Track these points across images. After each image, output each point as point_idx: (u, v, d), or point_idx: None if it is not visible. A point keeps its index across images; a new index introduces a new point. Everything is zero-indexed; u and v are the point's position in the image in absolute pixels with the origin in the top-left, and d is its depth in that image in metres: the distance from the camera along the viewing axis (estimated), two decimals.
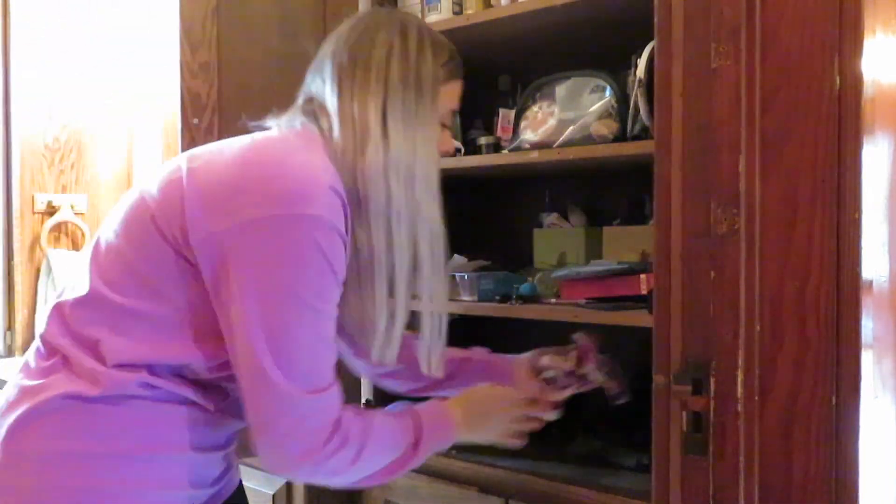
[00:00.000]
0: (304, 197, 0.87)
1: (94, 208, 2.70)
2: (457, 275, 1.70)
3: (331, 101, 0.99)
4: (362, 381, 1.71)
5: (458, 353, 1.29)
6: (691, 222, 0.92)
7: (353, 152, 0.94)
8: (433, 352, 1.05)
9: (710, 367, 0.89)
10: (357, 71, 0.99)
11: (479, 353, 1.34)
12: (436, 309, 1.03)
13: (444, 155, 1.07)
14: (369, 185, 0.94)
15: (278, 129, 1.01)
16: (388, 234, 0.95)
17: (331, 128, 0.97)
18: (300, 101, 1.06)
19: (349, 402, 1.68)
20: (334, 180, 0.90)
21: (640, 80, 1.38)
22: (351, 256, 0.94)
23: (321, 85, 1.02)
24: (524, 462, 1.54)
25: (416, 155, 0.97)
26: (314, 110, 1.01)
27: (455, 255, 1.78)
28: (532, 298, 1.61)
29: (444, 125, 1.07)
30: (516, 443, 1.16)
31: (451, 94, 1.07)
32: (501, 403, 1.14)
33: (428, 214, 0.98)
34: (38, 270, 2.57)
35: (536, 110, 1.59)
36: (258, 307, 0.86)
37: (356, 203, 0.94)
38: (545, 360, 1.26)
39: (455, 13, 1.67)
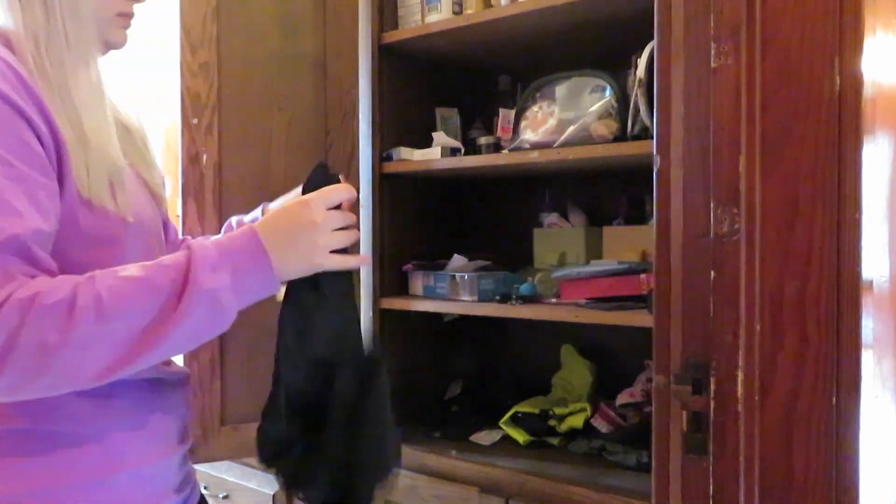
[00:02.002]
0: None
1: None
2: (457, 275, 1.70)
3: None
4: None
5: None
6: (691, 222, 0.92)
7: None
8: None
9: (710, 367, 0.89)
10: None
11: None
12: None
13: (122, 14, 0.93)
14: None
15: None
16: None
17: None
18: None
19: None
20: None
21: (640, 80, 1.38)
22: None
23: None
24: (524, 462, 1.54)
25: None
26: None
27: (455, 255, 1.79)
28: (532, 298, 1.61)
29: None
30: (348, 261, 0.90)
31: None
32: (305, 214, 0.87)
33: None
34: None
35: (536, 110, 1.59)
36: None
37: None
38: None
39: (455, 13, 1.68)
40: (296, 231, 0.85)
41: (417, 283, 1.79)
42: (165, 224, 1.08)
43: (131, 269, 0.76)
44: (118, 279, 0.75)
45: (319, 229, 0.86)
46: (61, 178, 0.80)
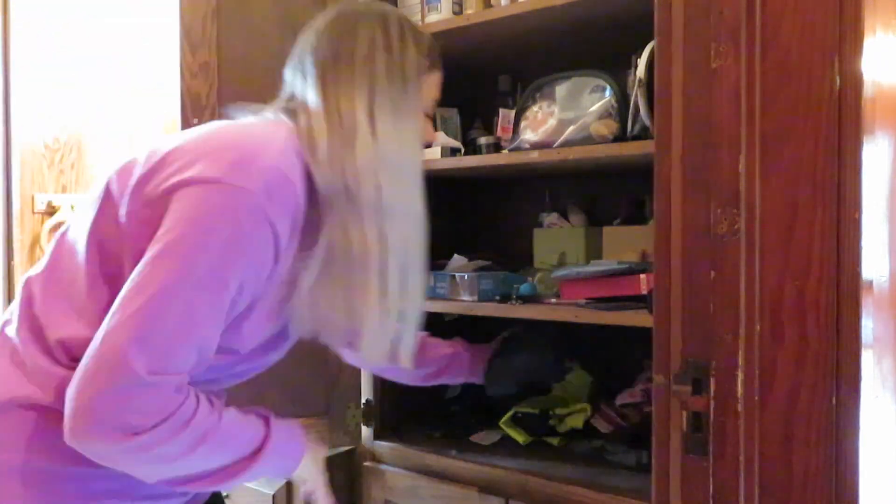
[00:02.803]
0: (243, 170, 0.83)
1: None
2: (457, 275, 1.70)
3: (313, 97, 0.96)
4: (362, 381, 1.71)
5: (443, 346, 1.45)
6: (691, 222, 0.92)
7: (342, 147, 0.92)
8: (405, 344, 1.04)
9: (710, 367, 0.89)
10: (340, 66, 0.96)
11: (460, 345, 1.47)
12: (418, 306, 1.03)
13: (426, 145, 1.05)
14: (361, 180, 0.91)
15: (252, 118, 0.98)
16: (381, 229, 0.93)
17: (310, 125, 0.94)
18: (282, 98, 1.03)
19: (352, 401, 1.68)
20: (289, 166, 0.87)
21: (640, 80, 1.38)
22: (333, 253, 0.92)
23: (302, 82, 0.99)
24: (524, 462, 1.54)
25: (403, 148, 0.96)
26: (294, 108, 0.98)
27: (455, 255, 1.78)
28: (532, 298, 1.61)
29: (427, 115, 1.08)
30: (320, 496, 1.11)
31: (432, 84, 1.07)
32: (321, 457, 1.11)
33: (415, 208, 0.98)
34: None
35: (536, 110, 1.59)
36: (151, 261, 0.81)
37: (344, 200, 0.91)
38: None
39: (455, 13, 1.67)
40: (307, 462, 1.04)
41: None
42: None
43: (242, 426, 0.94)
44: (227, 431, 0.91)
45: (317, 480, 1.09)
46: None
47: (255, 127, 0.94)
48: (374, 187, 0.92)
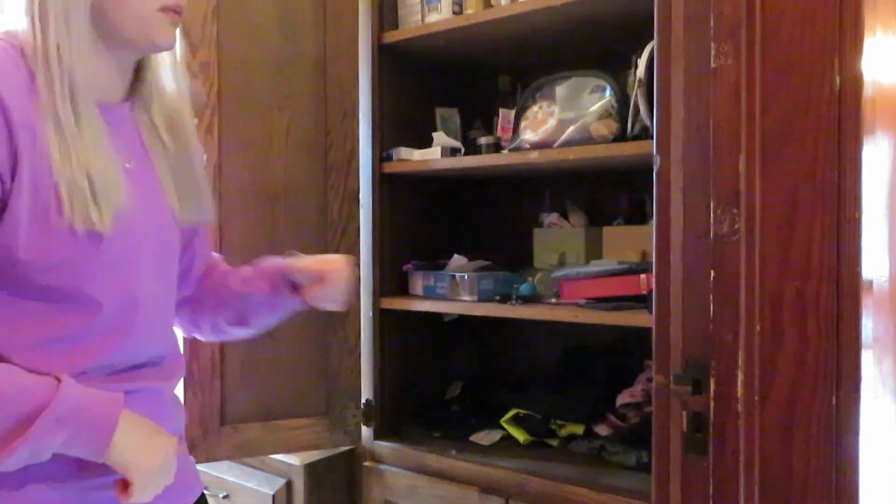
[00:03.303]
0: None
1: None
2: (457, 275, 1.70)
3: None
4: (362, 380, 1.71)
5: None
6: (691, 222, 0.92)
7: None
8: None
9: (710, 367, 0.89)
10: None
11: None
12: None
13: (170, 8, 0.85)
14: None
15: None
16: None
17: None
18: None
19: (352, 400, 1.68)
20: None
21: (640, 80, 1.38)
22: None
23: None
24: (524, 462, 1.54)
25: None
26: None
27: (455, 255, 1.79)
28: (532, 298, 1.61)
29: None
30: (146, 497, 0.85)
31: None
32: (169, 453, 0.87)
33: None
34: None
35: (536, 110, 1.59)
36: None
37: None
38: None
39: (455, 13, 1.68)
40: (149, 453, 0.84)
41: (417, 283, 1.79)
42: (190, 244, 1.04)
43: (6, 378, 0.77)
44: None
45: (162, 470, 0.85)
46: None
47: None
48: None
